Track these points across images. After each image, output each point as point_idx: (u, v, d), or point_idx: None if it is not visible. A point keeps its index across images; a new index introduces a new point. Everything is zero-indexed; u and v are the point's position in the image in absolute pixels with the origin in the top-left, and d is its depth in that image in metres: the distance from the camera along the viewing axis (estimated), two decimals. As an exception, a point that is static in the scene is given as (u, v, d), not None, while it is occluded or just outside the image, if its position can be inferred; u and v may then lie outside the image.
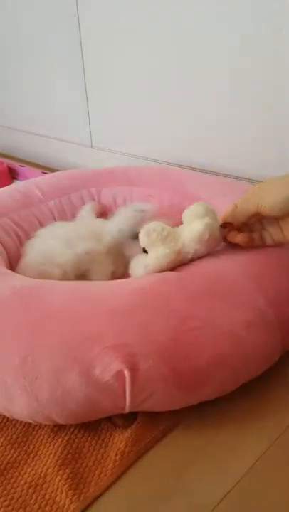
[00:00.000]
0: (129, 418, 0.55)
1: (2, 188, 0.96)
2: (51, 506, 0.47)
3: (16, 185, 0.98)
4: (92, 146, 1.37)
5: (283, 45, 0.83)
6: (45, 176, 1.05)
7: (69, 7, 1.20)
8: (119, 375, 0.49)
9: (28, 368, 0.49)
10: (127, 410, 0.52)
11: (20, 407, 0.51)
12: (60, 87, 1.38)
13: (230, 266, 0.61)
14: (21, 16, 1.38)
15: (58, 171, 1.13)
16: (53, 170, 1.37)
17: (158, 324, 0.51)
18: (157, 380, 0.50)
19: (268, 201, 0.58)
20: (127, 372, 0.49)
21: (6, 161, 1.48)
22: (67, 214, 0.95)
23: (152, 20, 1.03)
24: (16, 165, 1.46)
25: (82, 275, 0.75)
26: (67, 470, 0.50)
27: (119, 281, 0.62)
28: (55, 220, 0.94)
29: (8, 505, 0.47)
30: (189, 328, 0.52)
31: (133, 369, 0.49)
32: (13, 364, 0.50)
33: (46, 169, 1.42)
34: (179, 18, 0.97)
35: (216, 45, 0.93)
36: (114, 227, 0.78)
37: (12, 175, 1.43)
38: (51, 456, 0.52)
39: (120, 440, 0.53)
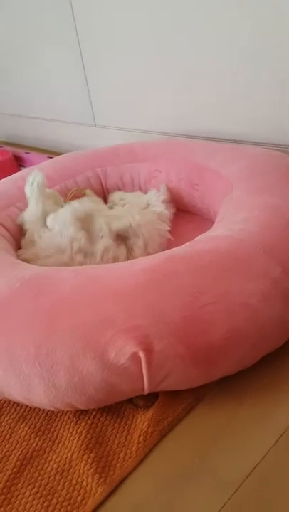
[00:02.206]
0: (151, 398, 0.55)
1: (7, 178, 0.95)
2: (78, 491, 0.47)
3: (21, 173, 0.97)
4: (95, 125, 1.34)
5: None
6: (49, 160, 1.03)
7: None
8: (135, 357, 0.49)
9: (44, 357, 0.49)
10: (146, 391, 0.52)
11: (39, 396, 0.51)
12: (58, 69, 1.35)
13: (242, 238, 0.59)
14: (17, 2, 1.34)
15: (63, 154, 1.11)
16: (58, 154, 1.35)
17: (170, 303, 0.50)
18: (174, 360, 0.49)
19: None
20: (142, 354, 0.48)
21: (11, 150, 1.47)
22: (73, 197, 0.94)
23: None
24: (21, 152, 1.44)
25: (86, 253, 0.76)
26: (91, 454, 0.50)
27: (126, 262, 0.61)
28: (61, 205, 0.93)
29: (36, 492, 0.47)
30: (202, 304, 0.50)
31: (148, 350, 0.48)
32: (28, 354, 0.50)
33: (52, 153, 1.40)
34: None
35: (216, 9, 0.88)
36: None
37: (18, 162, 1.42)
38: (75, 441, 0.52)
39: (143, 421, 0.53)
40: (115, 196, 0.92)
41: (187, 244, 0.62)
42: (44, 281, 0.57)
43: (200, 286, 0.52)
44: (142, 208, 0.84)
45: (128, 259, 0.78)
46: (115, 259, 0.76)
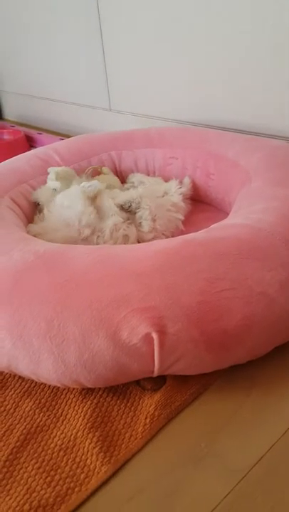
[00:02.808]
0: (158, 382, 0.54)
1: (21, 155, 0.94)
2: (82, 469, 0.46)
3: (35, 150, 0.96)
4: (110, 110, 1.33)
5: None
6: (64, 140, 1.02)
7: None
8: (147, 338, 0.48)
9: (55, 332, 0.48)
10: (155, 374, 0.51)
11: (47, 371, 0.50)
12: (77, 50, 1.33)
13: (260, 227, 0.58)
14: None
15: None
16: (70, 136, 1.34)
17: (186, 286, 0.49)
18: (187, 343, 0.48)
19: None
20: (155, 335, 0.48)
21: (23, 129, 1.45)
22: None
23: None
24: (33, 132, 1.43)
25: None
26: (96, 433, 0.49)
27: (141, 244, 0.60)
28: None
29: (39, 468, 0.47)
30: (219, 289, 0.49)
31: (161, 332, 0.48)
32: (39, 327, 0.49)
33: (64, 136, 1.39)
34: None
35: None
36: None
37: (30, 143, 1.40)
38: (80, 419, 0.51)
39: (150, 403, 0.52)
40: (135, 178, 0.91)
41: (203, 230, 0.61)
42: (59, 256, 0.56)
43: (218, 271, 0.51)
44: (157, 196, 0.83)
45: (138, 239, 0.77)
46: (125, 239, 0.75)
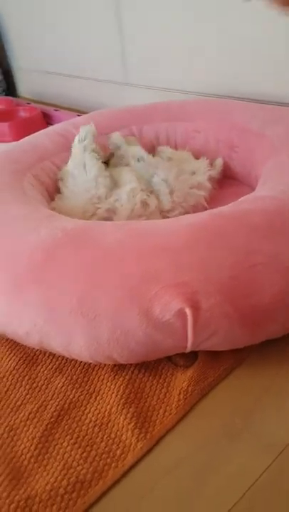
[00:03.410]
0: (190, 357, 0.54)
1: (41, 131, 0.93)
2: (118, 445, 0.46)
3: (55, 127, 0.94)
4: (127, 84, 1.30)
5: None
6: (84, 116, 1.00)
7: None
8: (181, 313, 0.47)
9: (87, 308, 0.48)
10: (188, 349, 0.50)
11: (79, 347, 0.50)
12: (92, 24, 1.30)
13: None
14: None
15: (93, 112, 1.08)
16: (87, 112, 1.31)
17: (219, 261, 0.48)
18: (220, 319, 0.47)
19: None
20: (188, 311, 0.47)
21: (40, 106, 1.43)
22: (108, 153, 0.91)
23: None
24: (50, 109, 1.41)
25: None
26: (130, 409, 0.49)
27: (171, 219, 0.59)
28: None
29: (74, 443, 0.47)
30: (252, 264, 0.48)
31: (195, 307, 0.47)
32: (71, 304, 0.48)
33: (81, 112, 1.36)
34: None
35: None
36: None
37: (46, 120, 1.38)
38: (113, 395, 0.51)
39: (183, 379, 0.51)
40: (164, 154, 0.88)
41: (232, 203, 0.60)
42: (87, 232, 0.55)
43: (249, 245, 0.49)
44: (184, 176, 0.81)
45: (159, 209, 0.76)
46: (144, 206, 0.74)
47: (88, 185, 0.76)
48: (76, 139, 0.81)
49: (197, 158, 0.88)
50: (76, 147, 0.80)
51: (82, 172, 0.78)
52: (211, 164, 0.86)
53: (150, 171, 0.77)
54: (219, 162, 0.86)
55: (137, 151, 0.81)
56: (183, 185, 0.78)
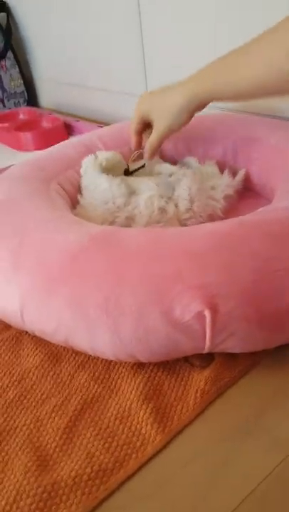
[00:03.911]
0: (207, 358, 0.56)
1: (66, 141, 0.97)
2: (137, 437, 0.49)
3: (79, 137, 0.98)
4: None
5: None
6: (106, 127, 1.04)
7: None
8: (200, 315, 0.50)
9: (112, 306, 0.51)
10: (206, 350, 0.53)
11: (103, 345, 0.53)
12: (114, 37, 1.34)
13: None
14: None
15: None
16: (108, 124, 1.36)
17: (240, 265, 0.51)
18: (239, 322, 0.50)
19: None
20: (207, 313, 0.49)
21: (61, 117, 1.48)
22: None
23: None
24: (71, 120, 1.45)
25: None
26: (150, 405, 0.52)
27: (193, 226, 0.62)
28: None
29: (97, 434, 0.50)
30: (273, 269, 0.51)
31: (214, 309, 0.49)
32: (97, 302, 0.51)
33: (101, 123, 1.41)
34: None
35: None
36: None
37: (68, 131, 1.43)
38: (133, 391, 0.54)
39: (200, 379, 0.54)
40: (190, 164, 0.90)
41: (251, 213, 0.63)
42: (112, 237, 0.58)
43: (272, 251, 0.52)
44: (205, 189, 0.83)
45: (177, 217, 0.78)
46: (162, 213, 0.77)
47: (105, 197, 0.79)
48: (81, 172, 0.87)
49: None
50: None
51: (95, 188, 0.82)
52: (233, 174, 0.88)
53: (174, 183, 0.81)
54: (242, 172, 0.88)
55: (168, 167, 0.86)
56: (202, 196, 0.81)
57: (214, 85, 0.67)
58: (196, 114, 1.02)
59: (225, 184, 0.84)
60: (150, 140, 0.78)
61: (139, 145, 0.86)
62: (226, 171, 0.87)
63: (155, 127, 0.77)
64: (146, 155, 0.84)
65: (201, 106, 0.72)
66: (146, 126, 0.81)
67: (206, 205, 0.82)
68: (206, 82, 0.69)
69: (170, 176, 0.83)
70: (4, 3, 1.71)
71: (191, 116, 0.74)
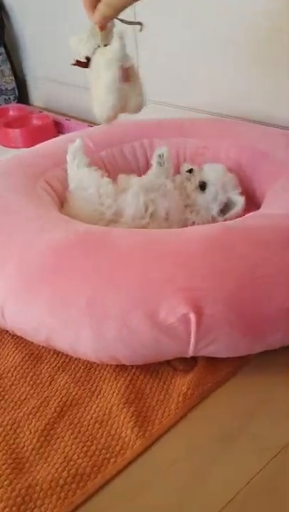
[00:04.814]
0: (190, 363, 0.56)
1: (55, 139, 0.96)
2: (117, 441, 0.48)
3: (68, 135, 0.97)
4: (140, 99, 1.33)
5: None
6: (97, 127, 1.03)
7: None
8: (185, 318, 0.49)
9: (95, 307, 0.50)
10: (190, 354, 0.52)
11: (85, 346, 0.52)
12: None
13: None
14: None
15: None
16: (98, 124, 1.35)
17: (226, 270, 0.51)
18: (223, 325, 0.50)
19: None
20: (192, 316, 0.49)
21: (52, 115, 1.46)
22: (119, 165, 0.94)
23: None
24: (61, 118, 1.44)
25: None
26: (131, 408, 0.51)
27: (182, 229, 0.62)
28: (106, 169, 0.92)
29: (75, 438, 0.48)
30: (259, 275, 0.50)
31: (199, 313, 0.49)
32: (80, 304, 0.50)
33: (92, 123, 1.39)
34: None
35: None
36: None
37: (58, 129, 1.41)
38: (115, 394, 0.53)
39: (182, 383, 0.53)
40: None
41: (240, 219, 0.62)
42: (99, 236, 0.57)
43: (258, 258, 0.52)
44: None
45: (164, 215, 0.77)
46: (148, 206, 0.74)
47: (93, 200, 0.75)
48: (68, 159, 0.81)
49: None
50: (70, 168, 0.81)
51: (83, 191, 0.78)
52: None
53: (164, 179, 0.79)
54: (237, 209, 0.78)
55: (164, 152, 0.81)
56: (180, 216, 0.77)
57: None
58: (187, 118, 1.03)
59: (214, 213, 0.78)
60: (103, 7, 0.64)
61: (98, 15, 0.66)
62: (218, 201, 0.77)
63: None
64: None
65: None
66: None
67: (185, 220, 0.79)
68: None
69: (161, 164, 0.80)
70: (-1, -1, 1.69)
71: None
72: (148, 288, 0.50)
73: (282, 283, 0.50)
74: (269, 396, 0.52)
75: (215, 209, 0.76)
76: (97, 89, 0.67)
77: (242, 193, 0.89)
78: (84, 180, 0.79)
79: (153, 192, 0.75)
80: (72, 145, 0.81)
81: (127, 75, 0.66)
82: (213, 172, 0.79)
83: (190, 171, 0.80)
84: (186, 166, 0.82)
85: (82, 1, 0.66)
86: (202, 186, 0.77)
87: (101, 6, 0.63)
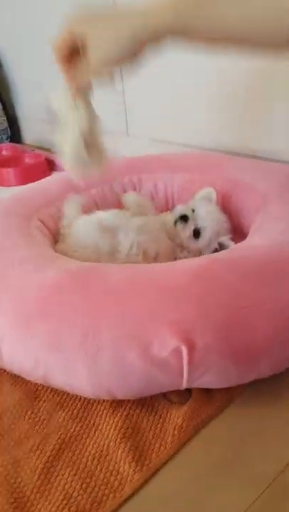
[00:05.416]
0: (184, 395, 0.57)
1: (48, 178, 0.99)
2: (116, 476, 0.49)
3: (60, 174, 1.01)
4: (128, 135, 1.38)
5: None
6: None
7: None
8: (177, 351, 0.51)
9: (90, 344, 0.52)
10: (183, 386, 0.54)
11: (81, 382, 0.53)
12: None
13: (282, 248, 0.62)
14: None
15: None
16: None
17: (213, 302, 0.53)
18: (214, 356, 0.51)
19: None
20: (184, 349, 0.51)
21: (44, 153, 1.51)
22: (109, 202, 0.97)
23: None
24: (53, 156, 1.48)
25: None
26: (128, 443, 0.52)
27: (169, 263, 0.64)
28: (97, 207, 0.96)
29: (75, 475, 0.49)
30: (244, 305, 0.53)
31: (190, 345, 0.51)
32: (75, 340, 0.52)
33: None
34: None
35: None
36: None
37: (50, 166, 1.45)
38: (112, 429, 0.54)
39: (177, 416, 0.55)
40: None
41: (226, 250, 0.65)
42: (91, 273, 0.59)
43: (243, 289, 0.54)
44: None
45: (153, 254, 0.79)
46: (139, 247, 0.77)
47: (86, 242, 0.78)
48: (64, 222, 0.84)
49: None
50: (66, 219, 0.85)
51: (76, 232, 0.81)
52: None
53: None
54: (213, 194, 0.87)
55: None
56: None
57: (180, 18, 0.48)
58: (172, 153, 1.06)
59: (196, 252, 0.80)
60: (80, 71, 0.55)
61: (72, 76, 0.57)
62: (210, 247, 0.79)
63: (89, 56, 0.53)
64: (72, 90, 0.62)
65: (155, 41, 0.50)
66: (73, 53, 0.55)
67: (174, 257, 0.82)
68: (168, 12, 0.48)
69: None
70: (-10, 45, 1.76)
71: (135, 50, 0.51)
72: (138, 323, 0.52)
73: (264, 313, 0.53)
74: (261, 425, 0.53)
75: (207, 252, 0.78)
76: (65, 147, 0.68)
77: (229, 224, 0.93)
78: (83, 232, 0.80)
79: (144, 234, 0.77)
80: (66, 207, 0.85)
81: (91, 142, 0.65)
82: (208, 218, 0.79)
83: (184, 218, 0.79)
84: (179, 210, 0.82)
85: (55, 55, 0.55)
86: (196, 234, 0.78)
87: (79, 75, 0.56)
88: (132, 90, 1.30)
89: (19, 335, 0.56)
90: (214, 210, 0.82)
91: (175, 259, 0.77)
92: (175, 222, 0.80)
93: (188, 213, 0.80)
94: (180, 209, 0.82)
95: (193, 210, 0.82)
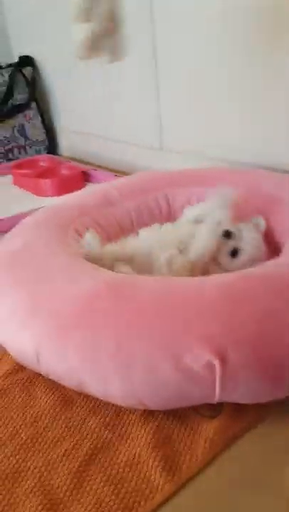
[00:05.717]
0: (216, 409, 0.58)
1: (84, 190, 1.02)
2: (146, 484, 0.50)
3: (96, 186, 1.04)
4: (162, 149, 1.41)
5: None
6: (122, 178, 1.10)
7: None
8: (209, 365, 0.52)
9: (123, 355, 0.53)
10: (216, 400, 0.54)
11: (114, 391, 0.55)
12: (133, 93, 1.43)
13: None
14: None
15: (129, 174, 1.17)
16: (124, 173, 1.42)
17: (245, 317, 0.54)
18: (245, 371, 0.52)
19: None
20: (216, 363, 0.51)
21: (80, 165, 1.55)
22: (143, 215, 0.99)
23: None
24: (88, 168, 1.52)
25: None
26: (159, 453, 0.53)
27: (202, 277, 0.65)
28: (132, 220, 0.98)
29: (106, 480, 0.51)
30: (274, 322, 0.53)
31: (222, 359, 0.51)
32: (109, 350, 0.54)
33: (118, 172, 1.47)
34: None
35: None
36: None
37: (85, 178, 1.49)
38: (143, 439, 0.55)
39: (208, 429, 0.55)
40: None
41: (260, 266, 0.66)
42: (126, 285, 0.61)
43: (275, 304, 0.55)
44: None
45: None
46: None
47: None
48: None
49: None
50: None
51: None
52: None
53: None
54: (262, 223, 0.86)
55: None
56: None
57: None
58: (208, 168, 1.08)
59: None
60: None
61: None
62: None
63: None
64: None
65: None
66: None
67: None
68: None
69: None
70: (31, 58, 1.84)
71: None
72: (171, 336, 0.53)
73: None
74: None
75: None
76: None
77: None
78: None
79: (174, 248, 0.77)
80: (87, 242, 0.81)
81: None
82: (251, 243, 0.78)
83: (228, 234, 0.78)
84: (192, 212, 0.84)
85: None
86: (234, 253, 0.77)
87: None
88: (168, 105, 1.33)
89: (55, 343, 0.58)
90: (258, 238, 0.81)
91: (208, 270, 0.78)
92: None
93: (235, 231, 0.79)
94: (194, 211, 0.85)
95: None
